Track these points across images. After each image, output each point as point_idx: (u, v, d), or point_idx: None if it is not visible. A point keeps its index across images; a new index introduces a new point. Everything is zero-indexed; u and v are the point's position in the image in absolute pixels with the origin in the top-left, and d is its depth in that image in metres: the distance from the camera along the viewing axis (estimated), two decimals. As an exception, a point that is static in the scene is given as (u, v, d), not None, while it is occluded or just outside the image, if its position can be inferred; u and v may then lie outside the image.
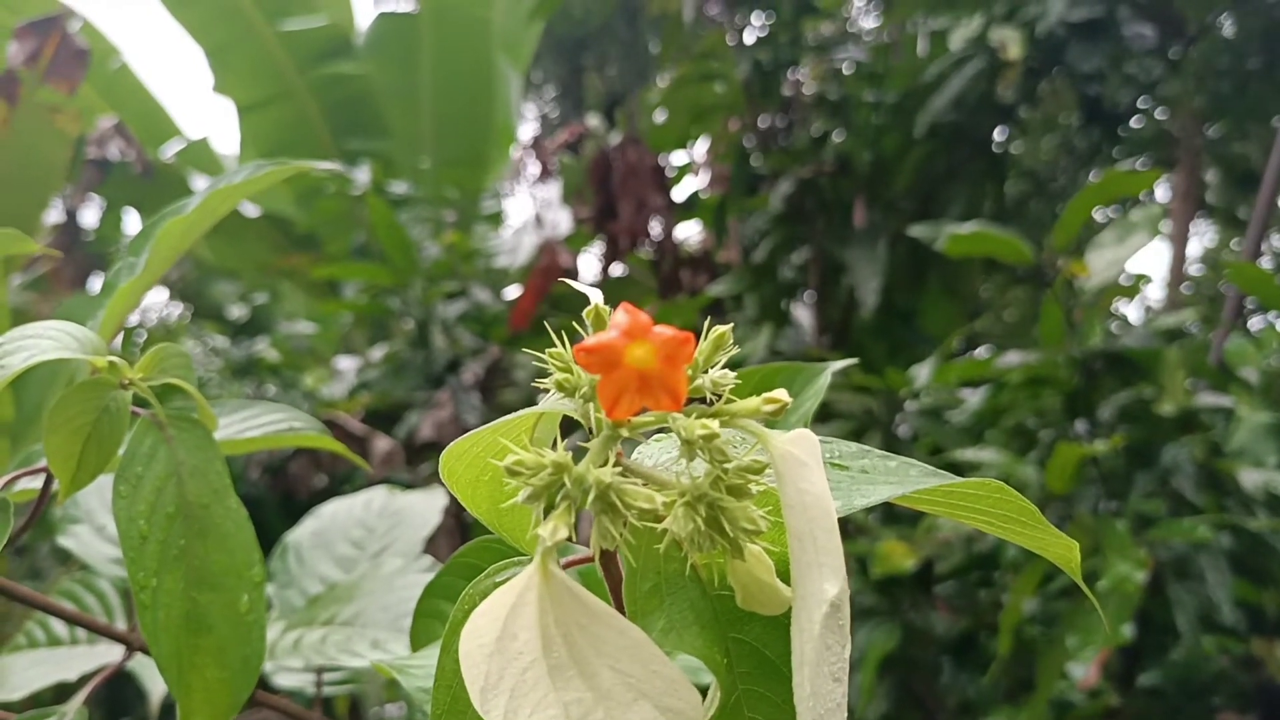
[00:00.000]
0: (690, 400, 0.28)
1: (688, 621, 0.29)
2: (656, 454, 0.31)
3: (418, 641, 0.43)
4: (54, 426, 0.41)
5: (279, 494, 2.27)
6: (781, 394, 0.27)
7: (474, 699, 0.24)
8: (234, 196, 0.48)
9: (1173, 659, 1.47)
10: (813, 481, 0.25)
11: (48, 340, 0.41)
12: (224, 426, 0.53)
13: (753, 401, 0.27)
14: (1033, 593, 1.40)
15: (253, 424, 0.52)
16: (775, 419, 0.27)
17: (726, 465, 0.26)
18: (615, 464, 0.27)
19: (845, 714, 0.26)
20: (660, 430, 0.28)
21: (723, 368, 0.28)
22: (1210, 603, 1.32)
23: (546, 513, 0.26)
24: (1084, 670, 1.24)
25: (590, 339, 0.25)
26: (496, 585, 0.30)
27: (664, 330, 0.24)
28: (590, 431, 0.27)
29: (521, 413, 0.29)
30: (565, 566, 0.31)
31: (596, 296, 0.30)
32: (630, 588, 0.29)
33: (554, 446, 0.26)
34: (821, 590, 0.25)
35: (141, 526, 0.41)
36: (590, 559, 0.31)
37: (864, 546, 1.68)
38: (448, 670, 0.30)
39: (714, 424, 0.26)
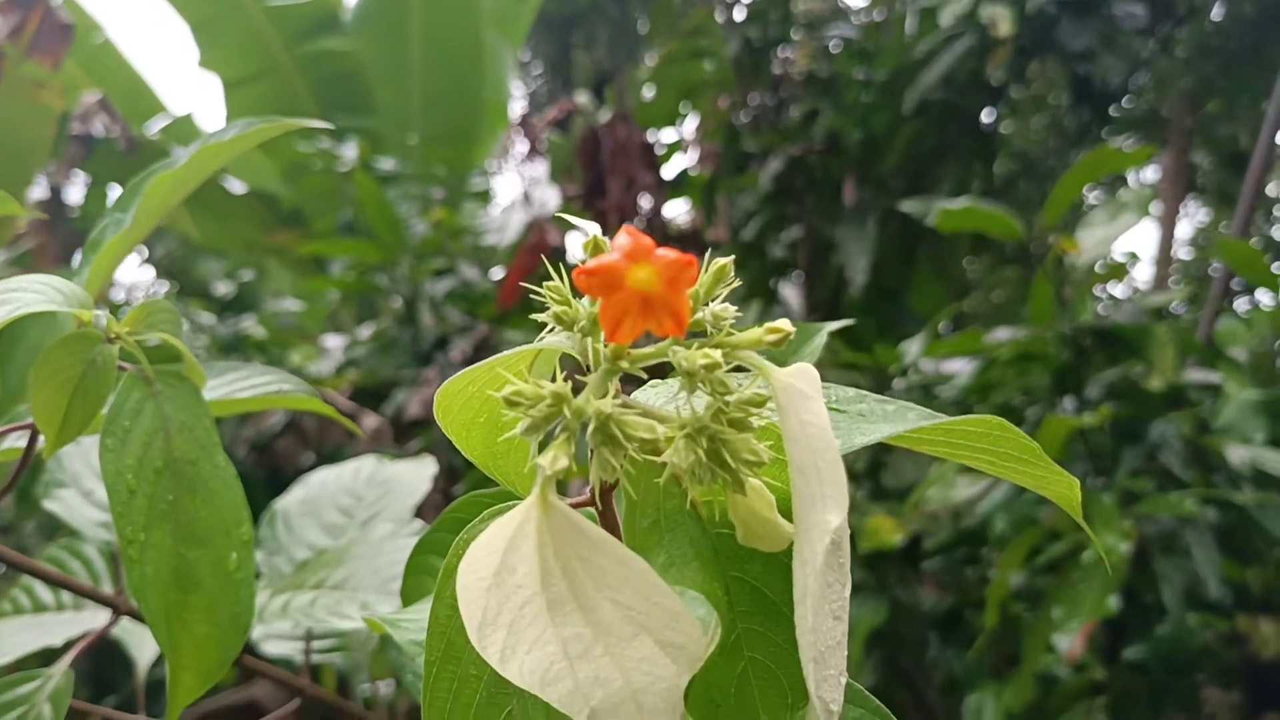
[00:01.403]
0: (690, 334, 0.27)
1: (687, 558, 0.29)
2: (654, 399, 0.31)
3: (409, 598, 0.42)
4: (40, 380, 0.40)
5: (266, 471, 2.26)
6: (784, 323, 0.26)
7: (471, 634, 0.23)
8: (224, 153, 0.47)
9: (1158, 634, 1.48)
10: (815, 413, 0.25)
11: (33, 294, 0.40)
12: (213, 388, 0.52)
13: (754, 332, 0.27)
14: (1020, 566, 1.41)
15: (241, 385, 0.52)
16: (778, 349, 0.27)
17: (728, 398, 0.26)
18: (615, 397, 0.26)
19: (845, 652, 0.26)
20: (661, 364, 0.27)
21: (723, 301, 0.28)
22: (1197, 579, 1.33)
23: (544, 447, 0.25)
24: (1069, 642, 1.24)
25: (591, 261, 0.24)
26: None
27: (667, 253, 0.24)
28: (587, 368, 0.27)
29: (519, 349, 0.29)
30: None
31: (594, 229, 0.30)
32: (630, 523, 0.28)
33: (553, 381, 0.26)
34: (825, 521, 0.24)
35: (129, 480, 0.40)
36: (589, 502, 0.30)
37: (853, 521, 1.68)
38: (441, 617, 0.30)
39: (716, 353, 0.25)
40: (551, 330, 0.28)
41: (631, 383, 0.31)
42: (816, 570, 0.24)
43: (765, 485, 0.27)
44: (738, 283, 0.28)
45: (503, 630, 0.23)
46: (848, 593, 0.26)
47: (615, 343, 0.25)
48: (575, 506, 0.31)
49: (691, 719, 0.30)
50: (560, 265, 0.29)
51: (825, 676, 0.25)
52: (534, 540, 0.24)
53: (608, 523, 0.30)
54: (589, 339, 0.27)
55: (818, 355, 0.45)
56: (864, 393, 0.32)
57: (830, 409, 0.31)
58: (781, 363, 0.27)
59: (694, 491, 0.28)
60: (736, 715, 0.30)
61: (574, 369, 0.28)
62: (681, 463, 0.26)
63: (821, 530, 0.24)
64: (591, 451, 0.26)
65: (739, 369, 0.27)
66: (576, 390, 0.26)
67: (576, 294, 0.28)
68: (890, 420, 0.30)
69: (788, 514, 0.26)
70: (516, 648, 0.23)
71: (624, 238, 0.24)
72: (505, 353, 0.29)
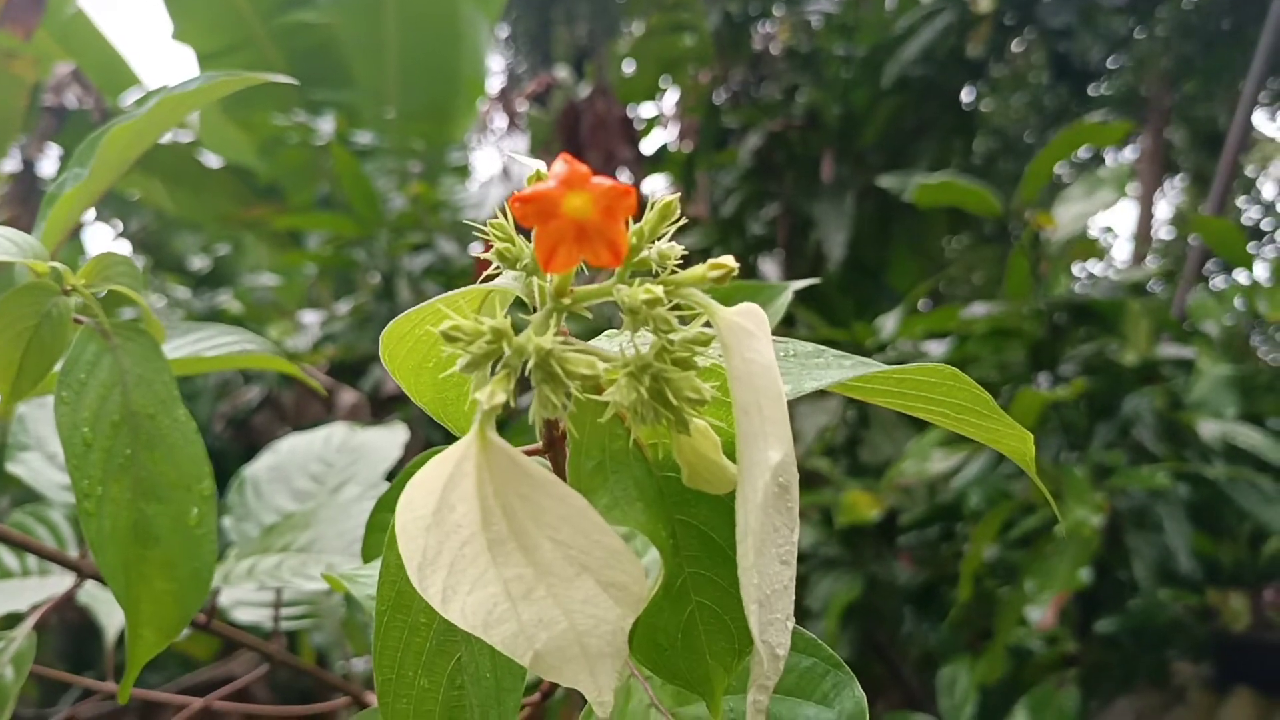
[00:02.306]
0: (636, 274, 0.27)
1: (631, 498, 0.28)
2: (605, 344, 0.30)
3: (369, 555, 0.42)
4: (-7, 333, 0.39)
5: (243, 446, 2.25)
6: (728, 259, 0.26)
7: (411, 575, 0.23)
8: (186, 104, 0.47)
9: (1129, 608, 1.49)
10: (759, 351, 0.25)
11: (-14, 244, 0.39)
12: (178, 347, 0.51)
13: (698, 269, 0.26)
14: (993, 539, 1.42)
15: (207, 344, 0.51)
16: (722, 285, 0.26)
17: (672, 336, 0.26)
18: (559, 335, 0.26)
19: (793, 597, 0.25)
20: (605, 302, 0.27)
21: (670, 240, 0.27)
22: (1168, 553, 1.34)
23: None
24: (1041, 613, 1.25)
25: (526, 188, 0.24)
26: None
27: (603, 180, 0.23)
28: (534, 309, 0.27)
29: (465, 289, 0.28)
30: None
31: (539, 165, 0.29)
32: (575, 464, 0.28)
33: None
34: (766, 458, 0.24)
35: (85, 434, 0.39)
36: (540, 452, 0.30)
37: (829, 497, 1.69)
38: (392, 566, 0.30)
39: (658, 289, 0.25)
40: (498, 271, 0.28)
41: (589, 337, 0.30)
42: (758, 507, 0.24)
43: (711, 427, 0.27)
44: (684, 220, 0.28)
45: (443, 570, 0.23)
46: (795, 537, 0.25)
47: (550, 272, 0.25)
48: (528, 454, 0.30)
49: (638, 662, 0.30)
50: (525, 179, 0.28)
51: (770, 620, 0.25)
52: (473, 478, 0.24)
53: (558, 470, 0.30)
54: (534, 278, 0.27)
55: (781, 314, 0.45)
56: (823, 348, 0.32)
57: (784, 360, 0.31)
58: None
59: (638, 432, 0.28)
60: (683, 660, 0.30)
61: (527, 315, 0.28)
62: (624, 400, 0.25)
63: (763, 467, 0.24)
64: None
65: (691, 312, 0.26)
66: (520, 330, 0.26)
67: (522, 232, 0.27)
68: (844, 370, 0.29)
69: (734, 457, 0.26)
70: (458, 588, 0.23)
71: (560, 165, 0.24)
72: (450, 292, 0.28)
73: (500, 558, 0.23)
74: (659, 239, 0.27)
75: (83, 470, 0.39)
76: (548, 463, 0.31)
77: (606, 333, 0.31)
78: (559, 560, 0.23)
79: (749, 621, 0.24)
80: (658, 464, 0.29)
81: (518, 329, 0.25)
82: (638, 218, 0.27)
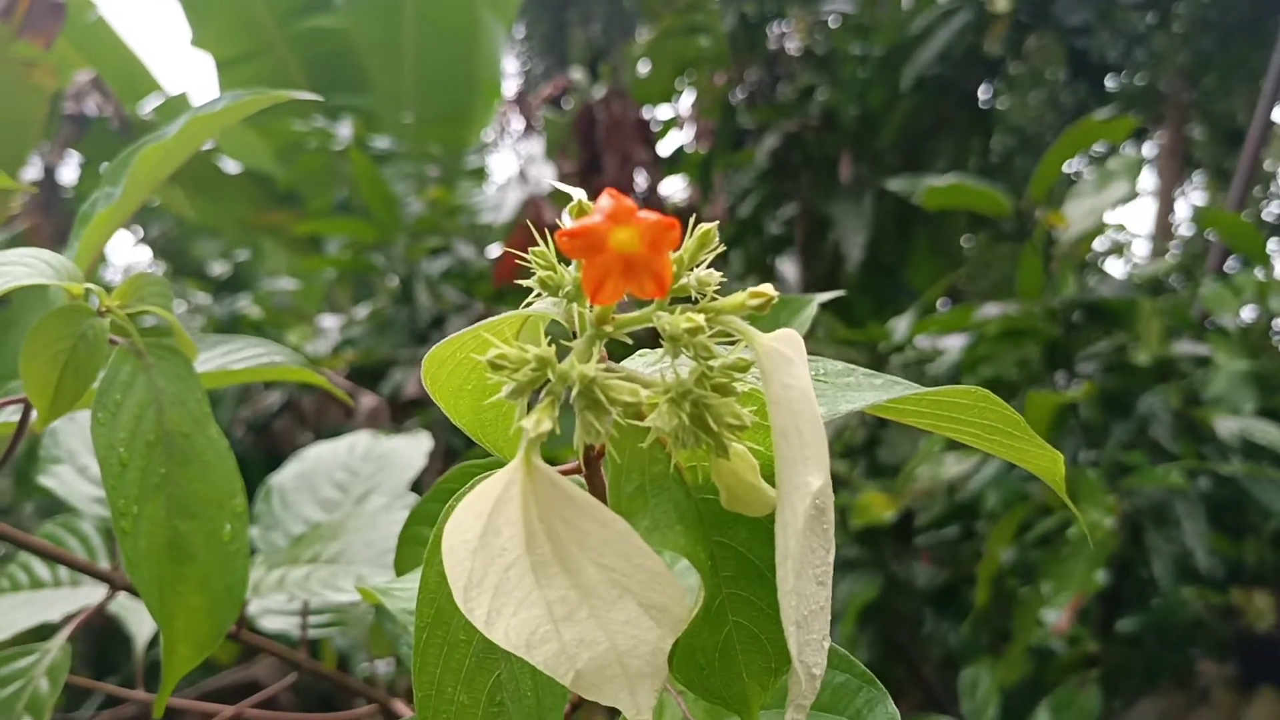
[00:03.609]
0: (675, 300, 0.27)
1: (671, 521, 0.29)
2: (642, 367, 0.31)
3: (402, 568, 0.43)
4: (31, 354, 0.40)
5: (264, 451, 2.26)
6: (767, 288, 0.27)
7: (457, 597, 0.23)
8: (214, 124, 0.47)
9: (1151, 607, 1.49)
10: (797, 376, 0.25)
11: (21, 267, 0.40)
12: (206, 360, 0.52)
13: (738, 296, 0.27)
14: (1010, 541, 1.41)
15: (235, 357, 0.52)
16: (762, 313, 0.27)
17: (712, 362, 0.26)
18: (600, 361, 0.26)
19: (829, 617, 0.26)
20: (646, 329, 0.28)
21: (708, 267, 0.28)
22: (1187, 551, 1.33)
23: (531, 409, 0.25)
24: (1057, 616, 1.25)
25: (574, 223, 0.24)
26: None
27: (649, 215, 0.24)
28: (574, 334, 0.27)
29: (506, 315, 0.29)
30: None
31: (580, 195, 0.30)
32: (615, 488, 0.29)
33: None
34: (806, 483, 0.24)
35: (121, 454, 0.40)
36: (578, 470, 0.31)
37: (845, 499, 1.69)
38: (431, 584, 0.30)
39: (699, 317, 0.26)
40: (538, 296, 0.29)
41: (621, 355, 0.31)
42: (797, 532, 0.24)
43: (749, 450, 0.28)
44: (722, 248, 0.28)
45: (488, 593, 0.24)
46: (831, 558, 0.26)
47: (597, 304, 0.25)
48: (564, 474, 0.31)
49: (677, 682, 0.31)
50: (552, 238, 0.29)
51: (808, 641, 0.25)
52: (519, 503, 0.24)
53: (594, 488, 0.30)
54: (574, 304, 0.28)
55: (807, 326, 0.45)
56: (852, 367, 0.32)
57: (818, 380, 0.31)
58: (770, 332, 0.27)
59: (678, 456, 0.28)
60: (720, 678, 0.30)
61: (562, 337, 0.28)
62: (665, 426, 0.26)
63: (803, 492, 0.24)
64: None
65: (727, 338, 0.27)
66: (562, 356, 0.26)
67: (563, 260, 0.28)
68: (876, 390, 0.30)
69: (772, 480, 0.26)
70: (502, 610, 0.23)
71: (606, 200, 0.24)
72: (492, 318, 0.29)
73: (544, 580, 0.24)
74: (698, 265, 0.28)
75: (119, 489, 0.40)
76: (583, 480, 0.31)
77: (639, 353, 0.32)
78: (602, 583, 0.24)
79: (788, 643, 0.24)
80: (696, 487, 0.29)
81: (561, 354, 0.26)
82: (677, 246, 0.27)
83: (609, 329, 0.27)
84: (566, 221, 0.28)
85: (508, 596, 0.23)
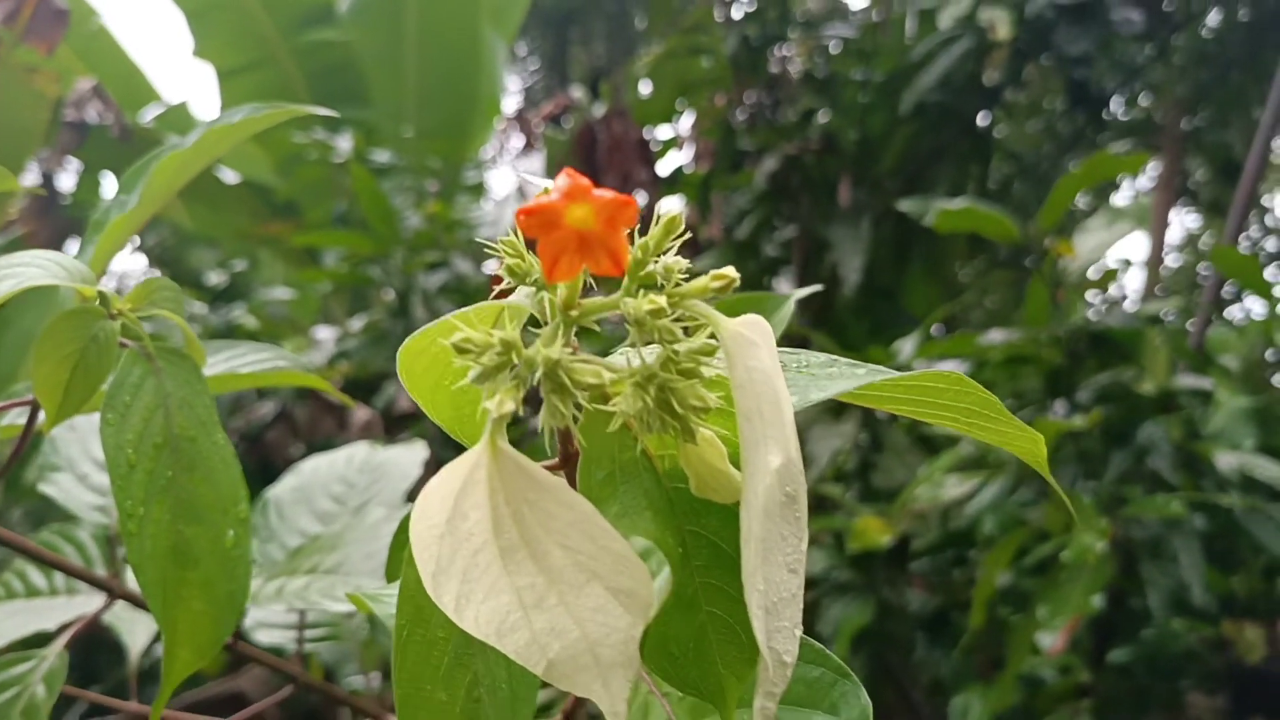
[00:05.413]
0: (642, 288, 0.27)
1: (641, 508, 0.29)
2: (618, 359, 0.31)
3: (393, 574, 0.42)
4: (42, 356, 0.40)
5: (257, 461, 2.26)
6: (730, 270, 0.27)
7: (426, 583, 0.23)
8: (231, 135, 0.47)
9: (1143, 638, 1.49)
10: (760, 359, 0.25)
11: (36, 268, 0.40)
12: (212, 365, 0.52)
13: (701, 280, 0.27)
14: (1007, 566, 1.41)
15: (240, 362, 0.52)
16: (724, 295, 0.27)
17: (677, 346, 0.26)
18: (566, 345, 0.26)
19: (800, 605, 0.26)
20: (613, 314, 0.28)
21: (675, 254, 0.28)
22: (1182, 583, 1.33)
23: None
24: (1052, 639, 1.25)
25: (530, 201, 0.24)
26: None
27: (604, 192, 0.24)
28: (545, 323, 0.27)
29: (479, 305, 0.29)
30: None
31: (547, 183, 0.30)
32: (585, 475, 0.29)
33: None
34: (766, 463, 0.24)
35: (129, 455, 0.40)
36: (557, 467, 0.31)
37: (840, 522, 1.69)
38: (410, 582, 0.30)
39: (661, 299, 0.26)
40: (513, 288, 0.29)
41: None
42: (759, 512, 0.24)
43: (717, 436, 0.28)
44: (689, 235, 0.28)
45: (456, 579, 0.23)
46: (804, 546, 0.26)
47: (553, 280, 0.25)
48: (552, 469, 0.31)
49: (651, 672, 0.31)
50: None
51: (778, 628, 0.25)
52: (485, 486, 0.24)
53: (572, 483, 0.30)
54: (544, 293, 0.28)
55: (784, 325, 0.45)
56: (835, 358, 0.32)
57: (800, 372, 0.31)
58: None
59: (645, 441, 0.28)
60: (695, 669, 0.30)
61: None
62: (630, 409, 0.26)
63: (764, 472, 0.24)
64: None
65: (697, 322, 0.27)
66: (529, 341, 0.26)
67: (531, 248, 0.28)
68: (854, 380, 0.30)
69: (739, 465, 0.26)
70: (471, 596, 0.23)
71: (562, 178, 0.24)
72: (465, 309, 0.29)
73: (512, 566, 0.24)
74: (665, 253, 0.28)
75: (126, 491, 0.40)
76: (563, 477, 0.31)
77: (619, 348, 0.32)
78: (569, 567, 0.24)
79: (754, 627, 0.24)
80: (667, 475, 0.29)
81: (529, 344, 0.26)
82: (644, 233, 0.27)
83: (575, 314, 0.27)
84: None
85: (476, 582, 0.23)
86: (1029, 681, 1.52)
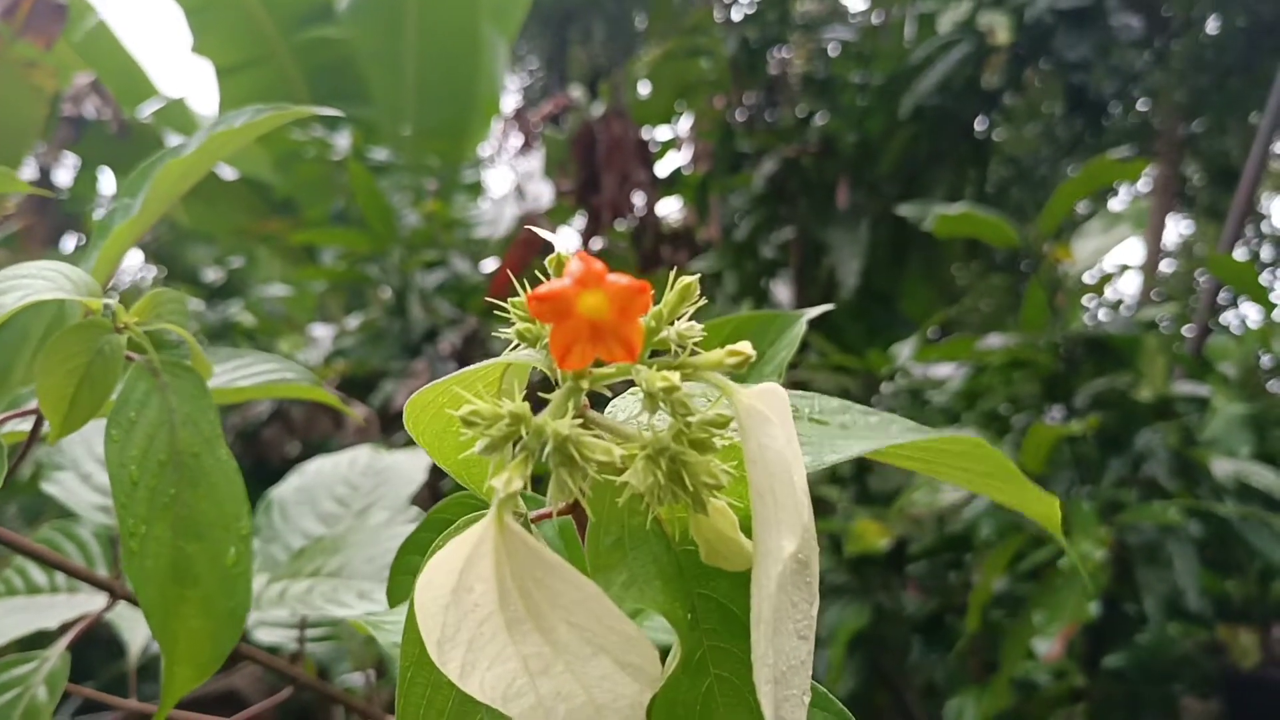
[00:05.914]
0: (656, 353, 0.27)
1: (650, 575, 0.28)
2: (631, 406, 0.31)
3: (394, 597, 0.42)
4: (47, 369, 0.40)
5: (252, 460, 2.25)
6: (745, 346, 0.26)
7: (431, 651, 0.23)
8: (234, 140, 0.47)
9: (1138, 643, 1.49)
10: (774, 436, 0.25)
11: (42, 281, 0.40)
12: (217, 376, 0.52)
13: (716, 354, 0.27)
14: (1003, 572, 1.42)
15: (245, 373, 0.52)
16: (740, 371, 0.27)
17: (689, 419, 0.26)
18: (577, 416, 0.26)
19: (809, 672, 0.25)
20: (626, 382, 0.27)
21: (689, 319, 0.28)
22: (1177, 589, 1.34)
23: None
24: (1049, 645, 1.25)
25: (542, 287, 0.24)
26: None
27: (618, 279, 0.24)
28: (556, 383, 0.27)
29: (487, 362, 0.29)
30: (536, 520, 0.31)
31: (560, 244, 0.30)
32: (593, 541, 0.28)
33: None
34: (779, 547, 0.24)
35: (133, 472, 0.40)
36: (565, 511, 0.30)
37: (838, 525, 1.69)
38: (416, 624, 0.30)
39: (675, 376, 0.25)
40: (518, 346, 0.28)
41: (601, 402, 0.31)
42: (770, 596, 0.24)
43: (728, 505, 0.27)
44: (704, 301, 0.28)
45: (461, 647, 0.23)
46: (814, 610, 0.26)
47: (565, 368, 0.25)
48: (545, 516, 0.31)
49: None
50: (548, 264, 0.29)
51: (786, 697, 0.25)
52: (491, 560, 0.24)
53: (580, 527, 0.30)
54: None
55: (797, 344, 0.44)
56: (849, 404, 0.32)
57: (812, 420, 0.31)
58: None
59: (657, 510, 0.28)
60: None
61: (543, 381, 0.28)
62: (641, 485, 0.26)
63: (776, 556, 0.24)
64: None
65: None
66: (539, 408, 0.26)
67: None
68: (873, 432, 0.30)
69: (751, 533, 0.26)
70: (476, 664, 0.23)
71: (576, 263, 0.24)
72: (471, 367, 0.29)
73: (518, 636, 0.23)
74: (678, 319, 0.28)
75: (129, 509, 0.40)
76: (570, 519, 0.31)
77: (630, 390, 0.32)
78: (576, 641, 0.24)
79: (762, 703, 0.24)
80: (676, 540, 0.29)
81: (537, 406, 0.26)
82: (657, 299, 0.27)
83: (585, 384, 0.26)
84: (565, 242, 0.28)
85: (481, 651, 0.23)
86: (1023, 685, 1.53)
